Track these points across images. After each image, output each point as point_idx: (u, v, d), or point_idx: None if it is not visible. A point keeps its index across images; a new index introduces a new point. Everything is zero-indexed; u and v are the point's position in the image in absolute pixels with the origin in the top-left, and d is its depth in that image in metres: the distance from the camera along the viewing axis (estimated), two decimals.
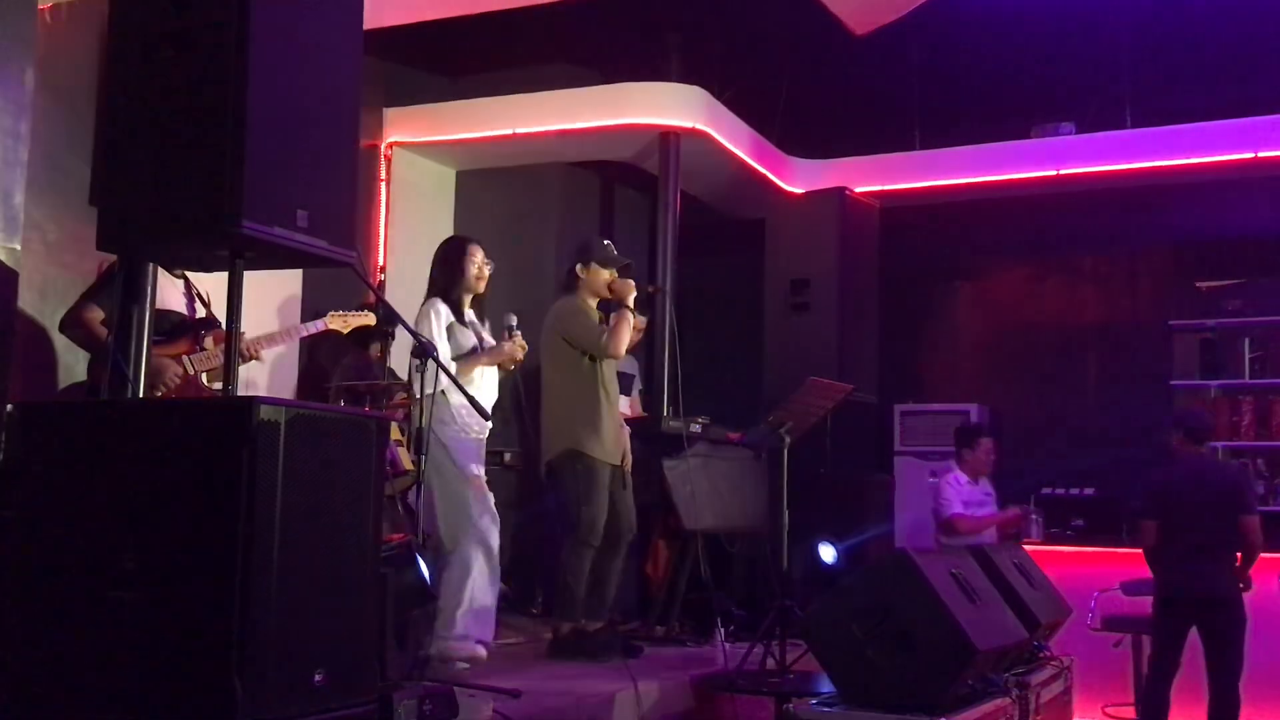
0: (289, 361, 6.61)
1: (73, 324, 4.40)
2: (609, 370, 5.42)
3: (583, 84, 7.54)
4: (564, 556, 5.32)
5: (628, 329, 5.33)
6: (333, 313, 5.09)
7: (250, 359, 4.59)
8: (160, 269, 4.32)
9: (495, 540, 4.79)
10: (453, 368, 4.67)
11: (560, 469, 5.34)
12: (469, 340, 4.92)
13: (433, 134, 7.75)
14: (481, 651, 4.71)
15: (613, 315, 5.38)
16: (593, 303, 5.45)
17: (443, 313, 4.86)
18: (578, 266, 5.45)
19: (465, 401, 4.58)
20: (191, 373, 4.36)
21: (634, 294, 5.37)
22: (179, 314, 4.45)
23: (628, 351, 5.63)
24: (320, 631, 2.89)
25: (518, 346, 4.99)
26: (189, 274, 4.51)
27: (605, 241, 5.56)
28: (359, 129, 3.33)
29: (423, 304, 4.96)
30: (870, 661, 3.93)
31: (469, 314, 5.04)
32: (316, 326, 5.06)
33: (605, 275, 5.40)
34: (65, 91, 4.85)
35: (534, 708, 4.10)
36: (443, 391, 4.54)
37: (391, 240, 7.59)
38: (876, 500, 7.89)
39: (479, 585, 4.69)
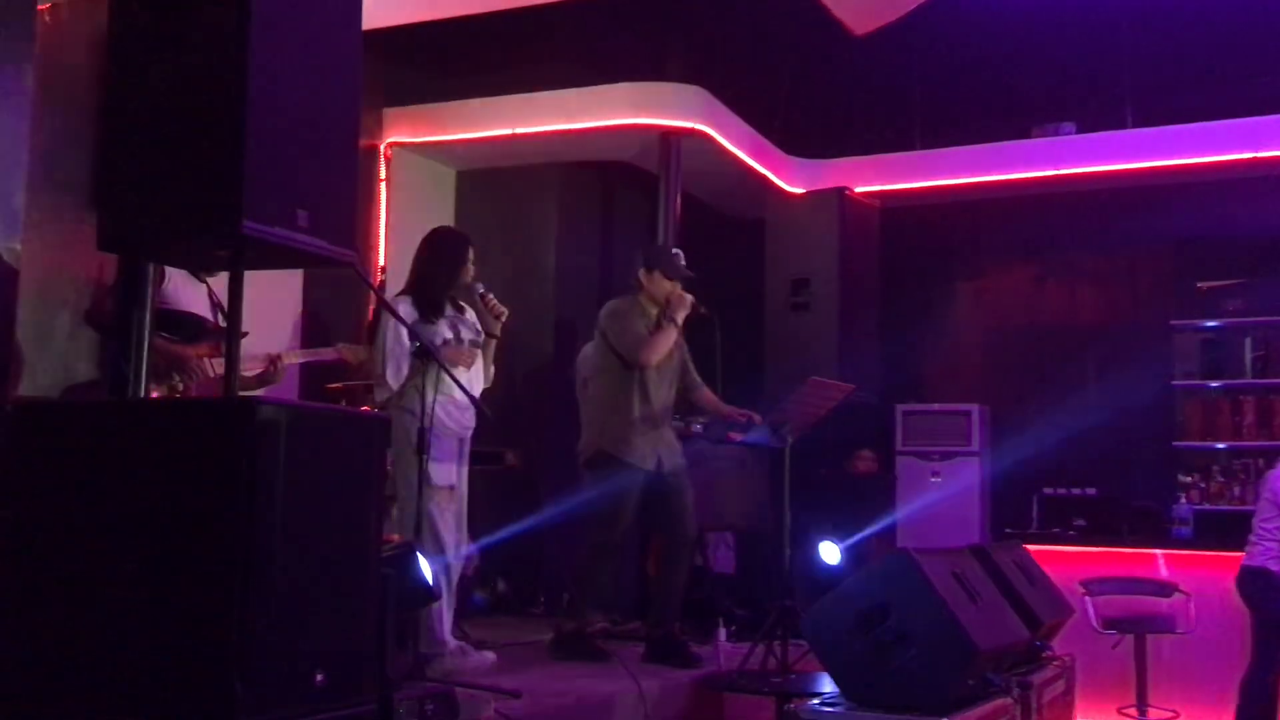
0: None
1: (99, 315, 4.40)
2: (653, 375, 5.33)
3: (583, 84, 7.53)
4: (580, 556, 5.37)
5: (667, 343, 5.29)
6: (343, 344, 5.11)
7: (277, 379, 4.60)
8: (185, 273, 4.37)
9: (453, 554, 4.65)
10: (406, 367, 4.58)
11: (589, 468, 5.38)
12: (436, 338, 4.68)
13: (433, 134, 7.74)
14: (490, 656, 4.67)
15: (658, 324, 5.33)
16: (653, 310, 5.38)
17: (405, 314, 4.62)
18: (641, 271, 5.43)
19: (448, 398, 4.52)
20: (212, 375, 4.36)
21: (685, 311, 5.30)
22: (202, 318, 4.45)
23: None
24: (320, 631, 2.88)
25: (492, 319, 4.88)
26: (210, 282, 4.50)
27: (675, 251, 5.49)
28: (359, 129, 3.33)
29: (391, 299, 4.76)
30: (871, 661, 3.92)
31: (450, 310, 4.85)
32: (327, 355, 5.07)
33: (667, 285, 5.34)
34: (65, 91, 4.84)
35: (534, 708, 4.10)
36: (415, 387, 4.50)
37: (391, 240, 7.58)
38: (878, 500, 7.89)
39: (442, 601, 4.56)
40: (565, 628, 5.31)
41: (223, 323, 4.50)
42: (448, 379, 4.50)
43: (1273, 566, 5.87)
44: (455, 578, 4.78)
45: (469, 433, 4.81)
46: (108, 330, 4.38)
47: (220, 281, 4.12)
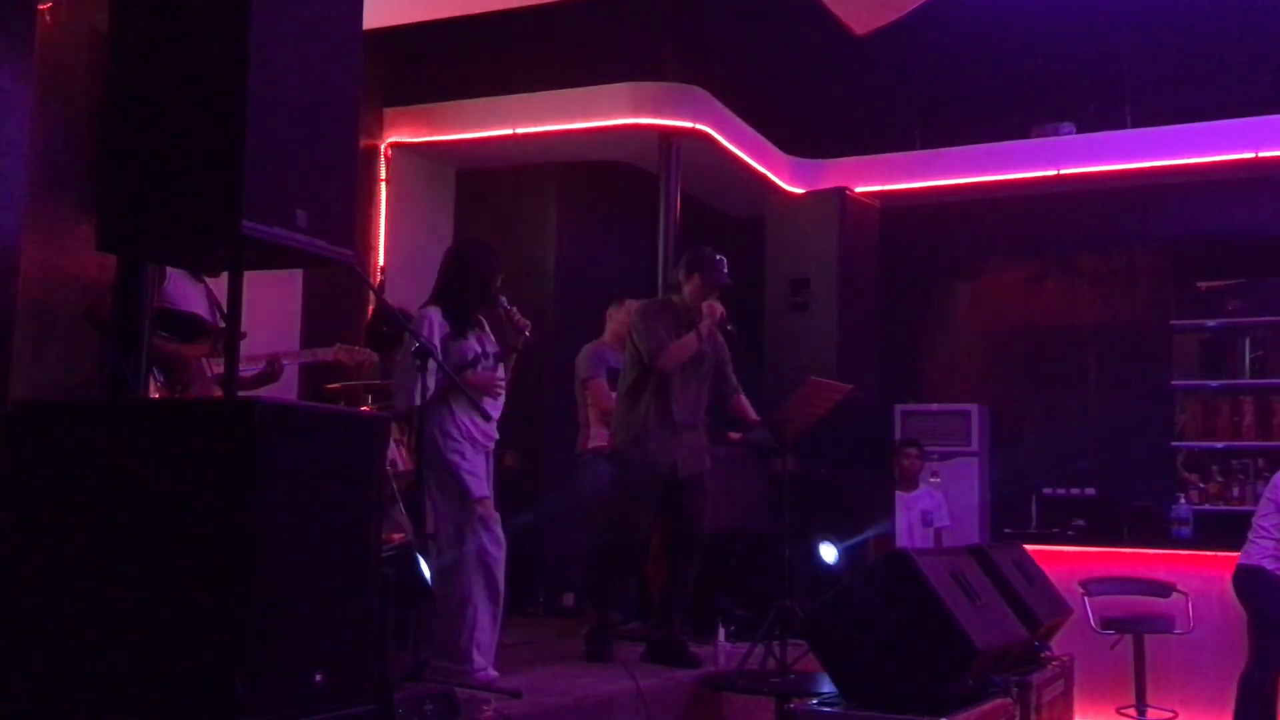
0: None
1: (99, 315, 4.39)
2: (677, 377, 5.28)
3: (583, 84, 7.54)
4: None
5: (686, 351, 5.26)
6: (341, 346, 5.09)
7: (275, 379, 4.59)
8: (185, 273, 4.37)
9: (500, 567, 4.50)
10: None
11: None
12: (468, 353, 4.63)
13: (433, 134, 7.74)
14: (492, 673, 4.61)
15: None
16: (686, 314, 5.35)
17: (437, 325, 4.56)
18: (681, 273, 5.41)
19: (468, 410, 4.47)
20: (210, 375, 4.36)
21: (712, 324, 5.28)
22: (202, 318, 4.44)
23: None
24: (320, 631, 2.89)
25: (515, 333, 4.78)
26: (210, 282, 4.49)
27: (718, 258, 5.42)
28: (359, 129, 3.33)
29: (419, 309, 4.69)
30: (871, 661, 3.93)
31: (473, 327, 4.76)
32: (325, 356, 5.06)
33: (703, 292, 5.32)
34: (65, 91, 4.85)
35: (534, 708, 4.10)
36: (444, 400, 4.47)
37: (391, 240, 7.58)
38: (877, 500, 7.89)
39: (481, 612, 4.44)
40: (590, 623, 5.35)
41: (222, 323, 4.50)
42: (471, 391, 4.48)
43: (1268, 565, 5.89)
44: (501, 593, 4.56)
45: (493, 444, 4.73)
46: (108, 330, 4.38)
47: (220, 282, 4.12)
